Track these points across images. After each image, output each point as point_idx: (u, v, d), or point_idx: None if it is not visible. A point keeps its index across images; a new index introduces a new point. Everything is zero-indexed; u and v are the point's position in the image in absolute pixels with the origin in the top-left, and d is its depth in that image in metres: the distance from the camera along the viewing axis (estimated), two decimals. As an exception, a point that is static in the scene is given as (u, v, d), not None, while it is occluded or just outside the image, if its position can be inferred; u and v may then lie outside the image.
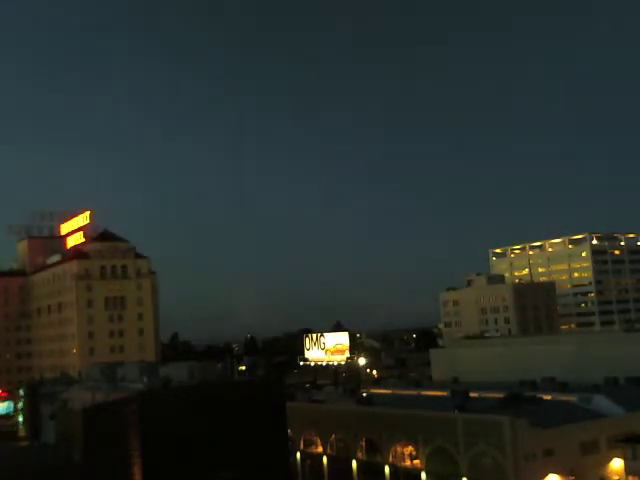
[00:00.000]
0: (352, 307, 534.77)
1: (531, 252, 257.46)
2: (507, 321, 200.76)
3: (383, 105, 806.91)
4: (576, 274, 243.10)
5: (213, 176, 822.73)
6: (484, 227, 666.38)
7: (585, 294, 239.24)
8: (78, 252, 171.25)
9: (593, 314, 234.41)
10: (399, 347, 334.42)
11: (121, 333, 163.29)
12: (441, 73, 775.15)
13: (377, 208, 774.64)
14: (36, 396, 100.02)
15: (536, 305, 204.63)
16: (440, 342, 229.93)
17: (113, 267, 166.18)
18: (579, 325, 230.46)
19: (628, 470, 66.83)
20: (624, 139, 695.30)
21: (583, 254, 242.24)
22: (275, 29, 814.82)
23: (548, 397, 78.62)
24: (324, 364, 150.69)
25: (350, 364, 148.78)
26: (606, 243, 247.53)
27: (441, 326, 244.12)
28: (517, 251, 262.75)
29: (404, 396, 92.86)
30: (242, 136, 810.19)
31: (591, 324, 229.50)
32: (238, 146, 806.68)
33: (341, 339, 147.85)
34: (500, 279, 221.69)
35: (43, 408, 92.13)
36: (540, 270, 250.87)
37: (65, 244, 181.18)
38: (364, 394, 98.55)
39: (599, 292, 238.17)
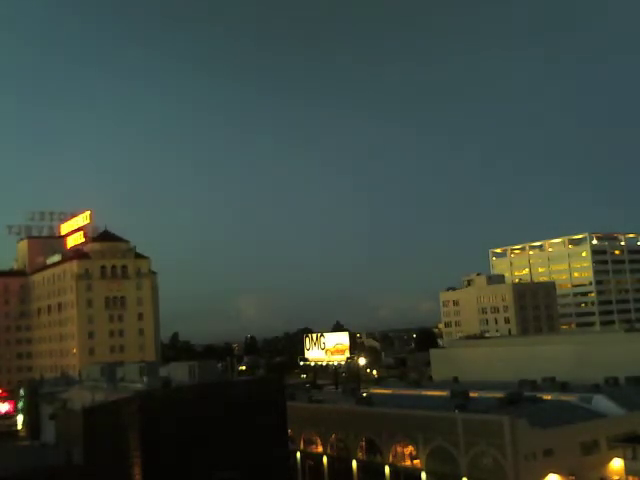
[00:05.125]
0: (352, 307, 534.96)
1: (531, 252, 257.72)
2: (507, 321, 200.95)
3: (379, 105, 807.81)
4: (576, 274, 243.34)
5: (213, 176, 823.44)
6: (484, 227, 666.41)
7: (585, 294, 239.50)
8: (78, 252, 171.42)
9: (593, 314, 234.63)
10: (399, 347, 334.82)
11: (121, 333, 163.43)
12: (441, 71, 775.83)
13: (377, 208, 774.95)
14: (36, 396, 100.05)
15: (536, 305, 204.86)
16: (440, 342, 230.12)
17: (113, 267, 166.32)
18: (579, 325, 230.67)
19: (628, 470, 66.82)
20: (624, 139, 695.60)
21: (583, 254, 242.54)
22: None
23: (548, 397, 78.62)
24: (324, 364, 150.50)
25: (350, 364, 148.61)
26: (606, 243, 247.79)
27: (441, 326, 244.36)
28: (517, 251, 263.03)
29: (404, 396, 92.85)
30: (241, 135, 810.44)
31: (591, 324, 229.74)
32: (238, 145, 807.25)
33: (341, 339, 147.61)
34: (500, 279, 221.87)
35: (43, 408, 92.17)
36: (540, 270, 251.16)
37: (65, 244, 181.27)
38: (364, 394, 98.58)
39: (599, 292, 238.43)
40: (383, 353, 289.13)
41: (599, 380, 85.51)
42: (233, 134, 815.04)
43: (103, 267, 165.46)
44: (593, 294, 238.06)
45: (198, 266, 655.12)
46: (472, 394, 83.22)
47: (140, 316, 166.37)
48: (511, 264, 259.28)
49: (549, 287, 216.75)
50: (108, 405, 62.87)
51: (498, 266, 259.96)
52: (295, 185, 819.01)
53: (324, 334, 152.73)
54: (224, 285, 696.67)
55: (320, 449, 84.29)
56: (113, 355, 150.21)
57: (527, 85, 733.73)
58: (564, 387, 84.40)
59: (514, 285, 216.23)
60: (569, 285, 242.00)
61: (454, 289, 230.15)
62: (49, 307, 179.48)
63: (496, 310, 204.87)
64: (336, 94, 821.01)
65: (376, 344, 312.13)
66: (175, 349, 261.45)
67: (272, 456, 58.95)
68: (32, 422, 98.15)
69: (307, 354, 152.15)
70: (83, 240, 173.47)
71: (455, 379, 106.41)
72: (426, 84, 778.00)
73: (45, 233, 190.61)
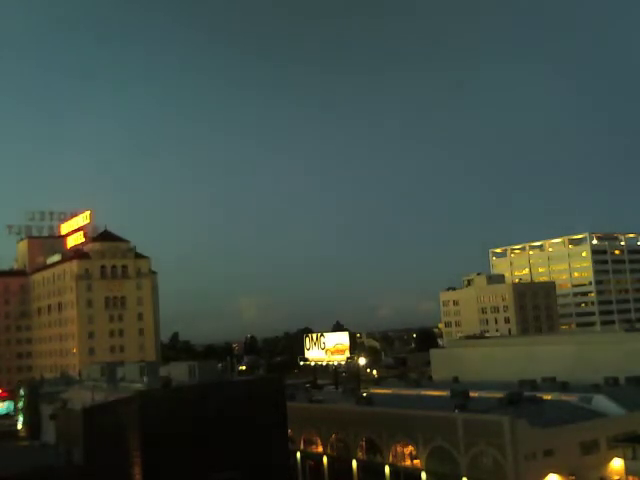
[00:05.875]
0: (352, 307, 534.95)
1: (531, 252, 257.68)
2: (507, 321, 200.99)
3: (381, 104, 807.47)
4: (576, 274, 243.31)
5: (213, 176, 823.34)
6: (484, 227, 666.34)
7: (585, 294, 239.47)
8: (78, 252, 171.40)
9: (593, 314, 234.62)
10: (399, 347, 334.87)
11: (121, 333, 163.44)
12: (441, 69, 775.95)
13: (377, 208, 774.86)
14: (36, 396, 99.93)
15: (536, 305, 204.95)
16: (440, 342, 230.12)
17: (113, 267, 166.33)
18: (579, 325, 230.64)
19: (628, 470, 66.80)
20: (624, 138, 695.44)
21: (583, 254, 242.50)
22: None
23: (548, 397, 78.62)
24: (324, 364, 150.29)
25: (350, 364, 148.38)
26: (606, 243, 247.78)
27: (441, 326, 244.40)
28: (517, 251, 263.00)
29: (404, 396, 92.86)
30: (241, 135, 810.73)
31: (591, 324, 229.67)
32: (238, 145, 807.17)
33: (341, 339, 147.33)
34: (500, 279, 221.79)
35: (43, 408, 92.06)
36: (540, 270, 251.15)
37: (65, 244, 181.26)
38: (364, 394, 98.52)
39: (599, 292, 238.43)
40: (383, 353, 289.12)
41: (599, 380, 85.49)
42: (233, 134, 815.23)
43: (103, 267, 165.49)
44: (593, 294, 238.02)
45: (198, 266, 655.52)
46: (472, 394, 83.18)
47: (140, 316, 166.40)
48: (511, 264, 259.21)
49: (549, 287, 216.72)
50: (108, 405, 62.83)
51: (498, 266, 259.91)
52: (295, 185, 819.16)
53: (324, 334, 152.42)
54: (224, 285, 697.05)
55: (320, 449, 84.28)
56: (113, 355, 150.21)
57: (527, 84, 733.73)
58: (564, 387, 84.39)
59: (514, 285, 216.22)
60: (569, 285, 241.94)
61: (454, 289, 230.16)
62: (49, 307, 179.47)
63: (496, 310, 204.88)
64: (337, 92, 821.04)
65: (376, 344, 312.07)
66: (175, 349, 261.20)
67: (272, 456, 58.95)
68: (32, 422, 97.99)
69: (307, 354, 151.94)
70: (83, 240, 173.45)
71: (455, 379, 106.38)
72: (424, 85, 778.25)
73: (45, 233, 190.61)
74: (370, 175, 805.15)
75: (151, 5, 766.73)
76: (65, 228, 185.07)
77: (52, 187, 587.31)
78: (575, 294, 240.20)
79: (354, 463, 78.81)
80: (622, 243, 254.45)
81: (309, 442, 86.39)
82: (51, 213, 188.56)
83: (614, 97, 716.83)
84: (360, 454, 78.70)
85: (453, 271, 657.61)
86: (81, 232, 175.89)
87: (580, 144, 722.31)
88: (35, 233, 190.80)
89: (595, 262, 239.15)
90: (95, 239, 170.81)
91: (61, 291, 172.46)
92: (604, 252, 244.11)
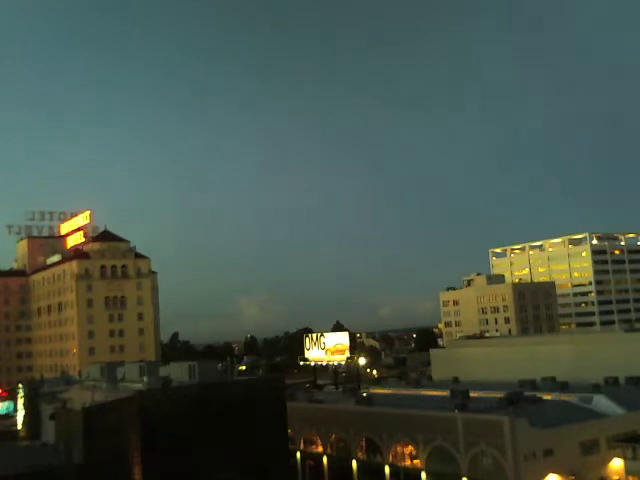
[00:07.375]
0: (352, 307, 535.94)
1: (531, 252, 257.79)
2: (507, 321, 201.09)
3: (383, 104, 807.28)
4: (576, 274, 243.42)
5: (213, 176, 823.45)
6: (484, 227, 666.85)
7: (585, 294, 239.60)
8: (78, 252, 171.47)
9: (593, 314, 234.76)
10: (399, 347, 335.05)
11: (121, 333, 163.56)
12: (445, 69, 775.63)
13: (377, 209, 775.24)
14: (36, 396, 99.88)
15: (536, 305, 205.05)
16: (440, 342, 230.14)
17: (113, 267, 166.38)
18: (579, 325, 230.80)
19: (628, 470, 66.87)
20: (624, 139, 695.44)
21: (583, 254, 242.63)
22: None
23: (548, 397, 78.70)
24: (324, 364, 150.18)
25: (350, 364, 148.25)
26: (606, 243, 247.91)
27: (441, 326, 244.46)
28: (517, 251, 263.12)
29: (404, 396, 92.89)
30: (241, 136, 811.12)
31: (591, 324, 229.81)
32: (237, 146, 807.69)
33: (341, 339, 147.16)
34: (500, 279, 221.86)
35: (43, 408, 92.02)
36: (540, 270, 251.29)
37: (65, 244, 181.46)
38: (364, 394, 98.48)
39: (599, 292, 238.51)
40: (383, 353, 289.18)
41: (599, 380, 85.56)
42: (232, 135, 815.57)
43: (103, 267, 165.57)
44: (593, 294, 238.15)
45: (198, 266, 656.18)
46: (472, 394, 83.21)
47: (140, 316, 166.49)
48: (511, 264, 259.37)
49: (549, 287, 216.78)
50: (108, 405, 62.80)
51: (498, 266, 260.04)
52: (295, 185, 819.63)
53: (324, 334, 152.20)
54: (224, 285, 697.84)
55: (320, 449, 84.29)
56: (113, 355, 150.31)
57: (526, 84, 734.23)
58: (564, 387, 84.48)
59: (514, 285, 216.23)
60: (569, 285, 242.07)
61: (454, 289, 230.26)
62: (49, 307, 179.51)
63: (496, 310, 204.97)
64: (344, 95, 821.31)
65: (376, 344, 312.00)
66: (175, 349, 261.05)
67: (272, 456, 58.94)
68: (32, 422, 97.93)
69: (307, 354, 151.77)
70: (83, 240, 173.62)
71: (455, 379, 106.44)
72: (424, 83, 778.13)
73: (45, 233, 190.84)
74: (370, 175, 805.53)
75: (156, 8, 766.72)
76: (65, 228, 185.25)
77: (52, 187, 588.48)
78: (575, 294, 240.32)
79: (354, 463, 78.83)
80: (622, 243, 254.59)
81: (309, 442, 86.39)
82: (51, 213, 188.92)
83: (614, 97, 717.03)
84: (360, 454, 78.71)
85: (453, 271, 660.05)
86: (81, 232, 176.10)
87: (580, 144, 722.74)
88: (35, 233, 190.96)
89: (595, 262, 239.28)
90: (95, 239, 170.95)
91: (61, 291, 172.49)
92: (604, 252, 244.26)
